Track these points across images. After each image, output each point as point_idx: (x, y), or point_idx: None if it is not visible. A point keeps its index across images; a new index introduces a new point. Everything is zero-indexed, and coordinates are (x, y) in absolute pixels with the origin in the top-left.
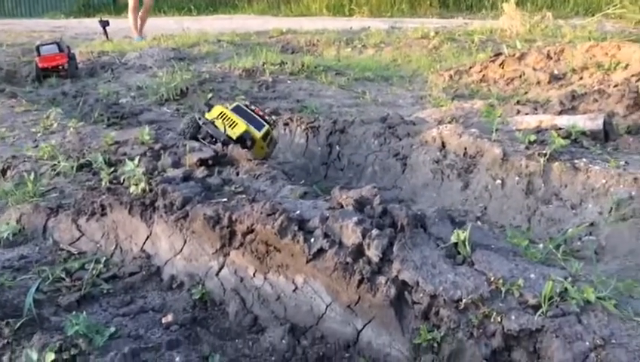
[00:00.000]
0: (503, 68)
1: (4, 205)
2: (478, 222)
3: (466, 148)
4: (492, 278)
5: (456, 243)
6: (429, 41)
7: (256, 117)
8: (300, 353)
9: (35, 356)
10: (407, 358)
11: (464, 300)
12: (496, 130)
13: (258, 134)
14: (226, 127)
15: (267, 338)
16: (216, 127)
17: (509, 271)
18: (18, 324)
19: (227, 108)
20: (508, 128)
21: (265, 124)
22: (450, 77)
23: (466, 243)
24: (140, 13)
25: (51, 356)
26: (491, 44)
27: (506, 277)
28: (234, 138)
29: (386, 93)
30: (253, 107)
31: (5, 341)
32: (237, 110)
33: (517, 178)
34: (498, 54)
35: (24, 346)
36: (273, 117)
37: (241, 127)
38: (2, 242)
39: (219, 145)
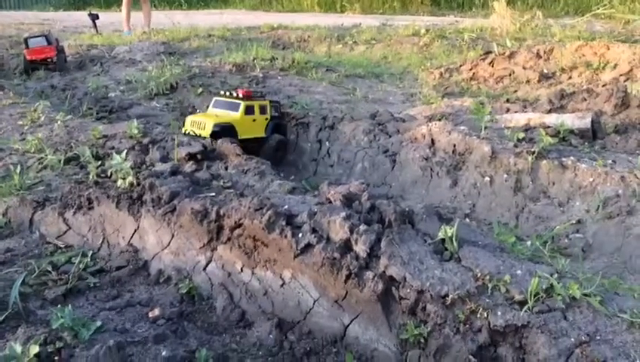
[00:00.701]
0: (493, 66)
1: None
2: (467, 219)
3: (455, 146)
4: (479, 274)
5: (443, 240)
6: (419, 39)
7: (234, 101)
8: (287, 347)
9: (18, 348)
10: (395, 353)
11: (451, 296)
12: (486, 127)
13: (236, 115)
14: (198, 130)
15: (254, 333)
16: (196, 135)
17: (496, 268)
18: (2, 317)
19: (198, 112)
20: (497, 126)
21: (240, 102)
22: (441, 74)
23: (454, 239)
24: (142, 10)
25: (35, 349)
26: (482, 43)
27: (492, 273)
28: (207, 136)
29: (376, 90)
30: (235, 92)
31: None
32: (216, 104)
33: (505, 175)
34: (488, 53)
35: (8, 339)
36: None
37: (209, 123)
38: None
39: (207, 139)
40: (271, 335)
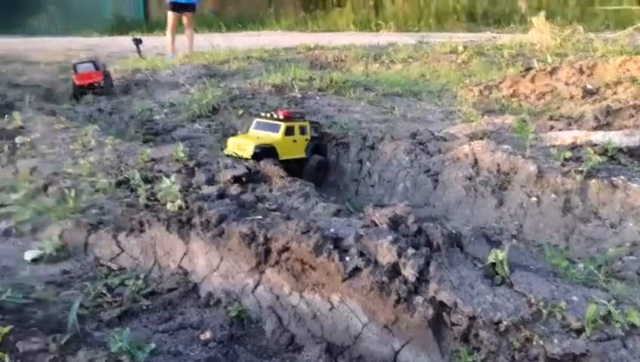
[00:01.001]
0: (534, 83)
1: (47, 221)
2: (514, 241)
3: (499, 165)
4: (533, 300)
5: (494, 264)
6: (457, 56)
7: (274, 122)
8: None
9: None
10: None
11: (504, 322)
12: (530, 146)
13: (277, 136)
14: (240, 152)
15: (304, 357)
16: (238, 157)
17: (550, 293)
18: (64, 340)
19: (239, 133)
20: (542, 144)
21: (280, 123)
22: (480, 92)
23: (504, 263)
24: (186, 33)
25: None
26: (521, 59)
27: (547, 299)
28: (249, 158)
29: (415, 109)
30: (276, 113)
31: (52, 356)
32: (257, 125)
33: (553, 195)
34: (529, 69)
35: None
36: (299, 114)
37: (250, 145)
38: (45, 258)
39: (251, 161)
40: (320, 360)
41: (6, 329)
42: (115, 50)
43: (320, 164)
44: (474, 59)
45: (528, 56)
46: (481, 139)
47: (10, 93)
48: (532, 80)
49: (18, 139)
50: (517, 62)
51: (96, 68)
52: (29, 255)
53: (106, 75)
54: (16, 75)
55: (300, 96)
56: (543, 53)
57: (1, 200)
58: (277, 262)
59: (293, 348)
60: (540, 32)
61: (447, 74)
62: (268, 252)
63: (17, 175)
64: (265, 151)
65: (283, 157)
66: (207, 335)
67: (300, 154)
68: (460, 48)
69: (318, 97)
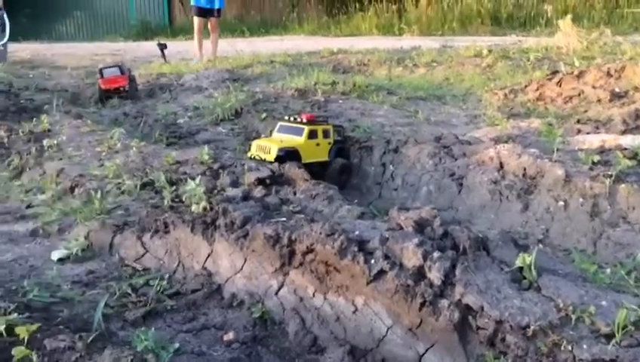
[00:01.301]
0: (560, 86)
1: (73, 222)
2: (540, 245)
3: (525, 169)
4: (561, 305)
5: (521, 268)
6: (482, 60)
7: (297, 126)
8: None
9: None
10: None
11: (532, 327)
12: (557, 149)
13: (300, 140)
14: (263, 155)
15: (327, 359)
16: (261, 160)
17: (579, 298)
18: (90, 338)
19: (262, 137)
20: (569, 148)
21: (304, 126)
22: (505, 95)
23: (532, 267)
24: (210, 38)
25: None
26: (547, 62)
27: (575, 304)
28: (273, 161)
29: (439, 113)
30: (299, 117)
31: (78, 354)
32: (280, 129)
33: (581, 200)
34: (555, 72)
35: (96, 360)
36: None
37: (274, 148)
38: (71, 258)
39: (275, 164)
40: None
41: (34, 327)
42: (140, 54)
43: (343, 167)
44: (499, 62)
45: (554, 60)
46: (507, 142)
47: (38, 97)
48: (559, 83)
49: (45, 142)
50: (543, 65)
51: (122, 72)
52: (55, 255)
53: (132, 80)
54: (44, 80)
55: (322, 99)
56: (569, 57)
57: (29, 201)
58: (301, 264)
59: (316, 350)
60: (567, 35)
61: (471, 77)
62: (292, 254)
63: (44, 176)
64: (288, 154)
65: (306, 160)
66: (231, 336)
67: (323, 157)
68: (485, 52)
69: (341, 101)
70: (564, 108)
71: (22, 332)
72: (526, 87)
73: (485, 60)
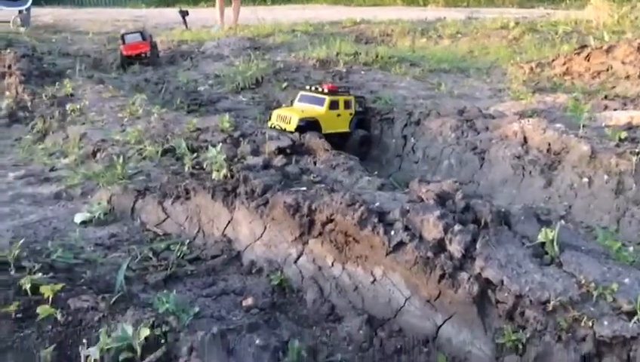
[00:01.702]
0: (588, 61)
1: (95, 186)
2: (562, 221)
3: (550, 144)
4: (582, 281)
5: (543, 243)
6: (508, 32)
7: (319, 96)
8: (377, 344)
9: (130, 330)
10: (489, 357)
11: (552, 302)
12: (583, 125)
13: (321, 110)
14: (284, 124)
15: (344, 328)
16: (281, 129)
17: (601, 275)
18: (113, 300)
19: (283, 106)
20: (595, 124)
21: (325, 97)
22: (531, 69)
23: (554, 243)
24: (232, 5)
25: (146, 331)
26: (576, 36)
27: (597, 281)
28: (293, 131)
29: (462, 85)
30: (321, 87)
31: (101, 314)
32: (301, 99)
33: (606, 177)
34: (584, 46)
35: (118, 320)
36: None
37: (294, 118)
38: (94, 221)
39: (296, 133)
40: (361, 331)
41: (58, 287)
42: (161, 21)
43: (363, 138)
44: (526, 35)
45: (584, 34)
46: (531, 117)
47: (61, 62)
48: (587, 58)
49: (68, 106)
50: (571, 39)
51: (144, 38)
52: (78, 218)
53: (153, 46)
54: (66, 45)
55: (344, 70)
56: (599, 31)
57: (52, 164)
58: (320, 234)
59: (334, 319)
60: (597, 9)
61: (496, 50)
62: (312, 223)
63: (67, 140)
64: (309, 125)
65: (326, 130)
66: (250, 301)
67: (344, 128)
68: (512, 24)
69: (363, 72)
70: (592, 83)
71: (46, 291)
72: (553, 61)
73: (512, 33)
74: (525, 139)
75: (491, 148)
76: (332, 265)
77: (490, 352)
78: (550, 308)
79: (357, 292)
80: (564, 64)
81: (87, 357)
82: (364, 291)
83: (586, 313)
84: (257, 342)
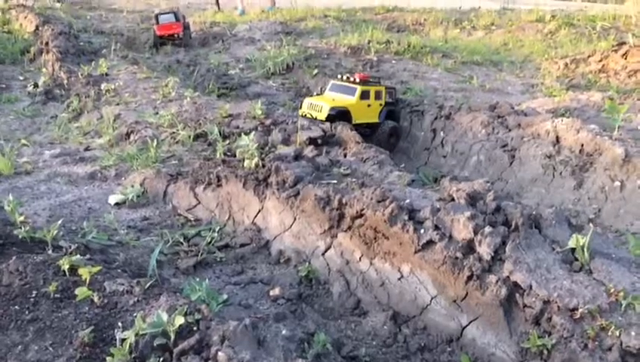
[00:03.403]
0: (626, 58)
1: (129, 168)
2: (590, 224)
3: (582, 145)
4: (612, 290)
5: (573, 249)
6: (544, 25)
7: (350, 85)
8: (401, 341)
9: (165, 317)
10: (513, 361)
11: (580, 309)
12: (618, 127)
13: (352, 100)
14: (315, 113)
15: (369, 322)
16: (312, 118)
17: (631, 284)
18: (147, 285)
19: (314, 94)
20: (630, 126)
21: (357, 86)
22: (566, 65)
23: (585, 249)
24: None
25: (180, 319)
26: (614, 32)
27: (627, 290)
28: (324, 119)
29: (494, 79)
30: (352, 76)
31: (136, 299)
32: (332, 87)
33: (639, 181)
34: (621, 43)
35: (152, 305)
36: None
37: (325, 107)
38: (127, 203)
39: (327, 124)
40: (385, 327)
41: (95, 269)
42: (193, 1)
43: (392, 130)
44: (562, 29)
45: (622, 30)
46: (564, 115)
47: (96, 40)
48: (624, 55)
49: (103, 86)
50: (609, 35)
51: (177, 19)
52: (112, 199)
53: (186, 27)
54: (101, 22)
55: (375, 59)
56: (639, 28)
57: (87, 144)
58: (349, 228)
59: (359, 313)
60: (637, 4)
61: (531, 44)
62: (341, 217)
63: (102, 121)
64: (339, 114)
65: (357, 121)
66: (277, 291)
67: (374, 119)
68: (548, 17)
69: (394, 61)
70: (628, 82)
71: (84, 273)
72: (589, 57)
73: (547, 26)
74: (557, 139)
75: (522, 146)
76: (360, 259)
77: (515, 356)
78: (578, 316)
79: (383, 288)
80: (600, 61)
81: (122, 340)
82: (390, 287)
83: (613, 322)
84: (284, 332)
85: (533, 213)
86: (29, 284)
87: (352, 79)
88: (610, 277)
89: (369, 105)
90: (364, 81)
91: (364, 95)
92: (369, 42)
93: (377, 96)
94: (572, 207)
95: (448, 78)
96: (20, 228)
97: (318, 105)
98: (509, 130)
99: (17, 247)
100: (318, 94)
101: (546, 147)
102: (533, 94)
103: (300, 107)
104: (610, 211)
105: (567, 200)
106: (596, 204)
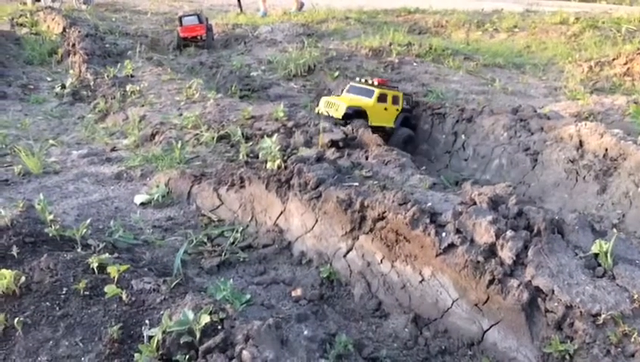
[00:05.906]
0: None
1: (154, 168)
2: (614, 230)
3: (606, 150)
4: (635, 295)
5: (596, 254)
6: (568, 28)
7: (368, 87)
8: (422, 343)
9: (191, 316)
10: None
11: (603, 315)
12: None
13: (369, 101)
14: (332, 111)
15: (390, 324)
16: (328, 116)
17: None
18: (173, 284)
19: (333, 94)
20: None
21: (374, 89)
22: (590, 68)
23: (608, 255)
24: None
25: (206, 318)
26: None
27: None
28: (341, 118)
29: (516, 82)
30: (371, 80)
31: (162, 297)
32: (350, 89)
33: None
34: None
35: (178, 304)
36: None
37: (342, 105)
38: (152, 203)
39: (348, 127)
40: (406, 329)
41: (123, 268)
42: (216, 2)
43: (408, 138)
44: (586, 32)
45: None
46: (587, 119)
47: (121, 42)
48: None
49: (128, 87)
50: (634, 38)
51: (200, 21)
52: (138, 199)
53: (209, 29)
54: (126, 24)
55: (397, 61)
56: None
57: (113, 145)
58: (371, 230)
59: (380, 315)
60: None
61: (554, 46)
62: (363, 219)
63: (127, 122)
64: (356, 113)
65: (372, 123)
66: (299, 292)
67: (389, 123)
68: (572, 19)
69: (415, 63)
70: None
71: (113, 271)
72: (614, 60)
73: (571, 29)
74: (581, 143)
75: (545, 150)
76: (381, 261)
77: (536, 361)
78: (600, 321)
79: (404, 291)
80: (626, 64)
81: (150, 337)
82: (411, 290)
83: (636, 328)
84: (306, 332)
85: (556, 217)
86: (60, 281)
87: (370, 82)
88: (633, 283)
89: (385, 109)
90: (381, 85)
91: (382, 98)
92: (390, 44)
93: (394, 101)
94: (595, 212)
95: (470, 81)
96: (50, 226)
97: (336, 104)
98: (532, 134)
99: (48, 245)
100: (337, 95)
101: (569, 151)
102: (557, 97)
103: (317, 105)
104: (634, 217)
105: (591, 205)
106: (620, 210)
